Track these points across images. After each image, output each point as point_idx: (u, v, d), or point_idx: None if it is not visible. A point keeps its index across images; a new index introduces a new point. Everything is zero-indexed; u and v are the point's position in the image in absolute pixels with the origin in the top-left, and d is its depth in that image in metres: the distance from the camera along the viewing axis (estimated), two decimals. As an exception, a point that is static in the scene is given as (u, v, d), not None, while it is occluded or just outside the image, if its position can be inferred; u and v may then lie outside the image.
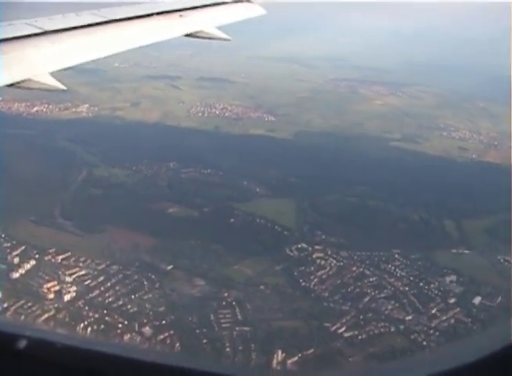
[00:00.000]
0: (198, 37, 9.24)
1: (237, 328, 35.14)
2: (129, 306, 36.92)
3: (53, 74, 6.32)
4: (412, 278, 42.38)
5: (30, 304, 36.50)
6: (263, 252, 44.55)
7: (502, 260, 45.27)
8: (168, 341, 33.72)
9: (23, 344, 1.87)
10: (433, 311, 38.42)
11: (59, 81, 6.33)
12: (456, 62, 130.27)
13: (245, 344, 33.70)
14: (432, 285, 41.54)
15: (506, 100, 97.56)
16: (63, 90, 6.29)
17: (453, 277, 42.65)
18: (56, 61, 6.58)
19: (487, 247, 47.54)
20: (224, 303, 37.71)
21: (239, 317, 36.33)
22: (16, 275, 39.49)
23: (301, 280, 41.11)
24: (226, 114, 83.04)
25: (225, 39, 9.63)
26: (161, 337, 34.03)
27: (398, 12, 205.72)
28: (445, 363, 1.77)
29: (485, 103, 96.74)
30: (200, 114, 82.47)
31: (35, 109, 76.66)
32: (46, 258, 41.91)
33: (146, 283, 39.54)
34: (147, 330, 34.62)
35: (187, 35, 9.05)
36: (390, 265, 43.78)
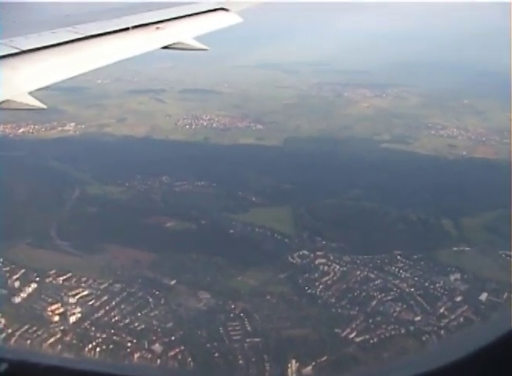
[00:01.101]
0: (175, 48, 9.15)
1: (248, 340, 34.77)
2: (136, 324, 36.39)
3: (34, 94, 6.23)
4: (416, 278, 42.30)
5: (35, 328, 35.81)
6: (265, 261, 44.23)
7: (503, 255, 45.35)
8: (180, 357, 33.28)
9: (3, 367, 1.79)
10: (441, 310, 38.32)
11: (40, 100, 6.27)
12: (437, 60, 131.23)
13: (257, 355, 33.33)
14: (437, 284, 41.49)
15: (489, 96, 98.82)
16: (43, 109, 6.24)
17: (457, 275, 42.61)
18: (34, 80, 6.46)
19: (487, 243, 47.62)
20: (232, 315, 37.34)
21: (249, 328, 35.96)
22: (18, 299, 38.81)
23: (306, 288, 40.85)
24: (214, 125, 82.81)
25: (202, 49, 9.54)
26: (172, 353, 33.58)
27: (375, 14, 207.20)
28: (448, 355, 1.72)
29: (469, 99, 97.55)
30: (187, 127, 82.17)
31: (21, 130, 75.82)
32: (47, 280, 41.28)
33: (151, 299, 39.06)
34: (157, 347, 34.12)
35: (164, 47, 8.97)
36: (393, 267, 43.70)
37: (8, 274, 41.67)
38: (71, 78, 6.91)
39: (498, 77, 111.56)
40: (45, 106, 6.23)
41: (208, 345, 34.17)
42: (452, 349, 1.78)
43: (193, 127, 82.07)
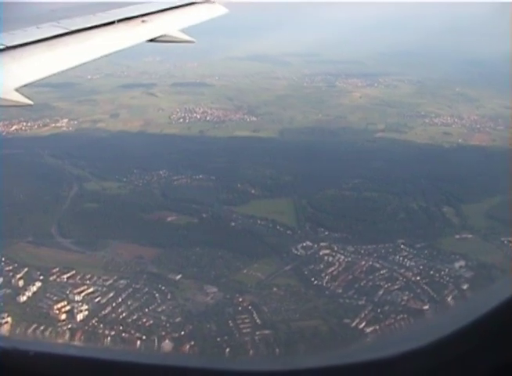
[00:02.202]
0: (162, 41, 9.11)
1: (258, 332, 34.61)
2: (144, 320, 36.12)
3: (21, 90, 6.11)
4: (421, 267, 42.29)
5: (42, 327, 35.51)
6: (270, 254, 44.12)
7: (506, 242, 45.51)
8: (191, 353, 33.05)
9: None
10: (448, 298, 38.31)
11: (27, 96, 6.15)
12: (427, 49, 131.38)
13: (269, 348, 33.11)
14: (442, 272, 41.51)
15: (480, 84, 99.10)
16: (30, 105, 6.19)
17: (462, 262, 42.62)
18: (21, 77, 6.37)
19: (489, 230, 47.73)
20: (240, 308, 37.16)
21: (258, 321, 35.78)
22: (23, 298, 38.38)
23: (312, 279, 40.72)
24: (208, 118, 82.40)
25: (189, 41, 9.46)
26: (183, 349, 33.33)
27: (363, 8, 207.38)
28: (449, 325, 1.72)
29: (462, 87, 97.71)
30: (181, 120, 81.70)
31: (14, 127, 75.03)
32: (51, 278, 40.84)
33: (157, 295, 38.77)
34: (167, 343, 33.85)
35: (151, 40, 8.90)
36: (398, 256, 43.67)
37: (11, 273, 41.24)
38: (58, 74, 6.84)
39: (487, 66, 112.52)
40: (31, 103, 6.13)
41: (218, 339, 33.98)
42: (453, 318, 1.78)
43: (187, 120, 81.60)
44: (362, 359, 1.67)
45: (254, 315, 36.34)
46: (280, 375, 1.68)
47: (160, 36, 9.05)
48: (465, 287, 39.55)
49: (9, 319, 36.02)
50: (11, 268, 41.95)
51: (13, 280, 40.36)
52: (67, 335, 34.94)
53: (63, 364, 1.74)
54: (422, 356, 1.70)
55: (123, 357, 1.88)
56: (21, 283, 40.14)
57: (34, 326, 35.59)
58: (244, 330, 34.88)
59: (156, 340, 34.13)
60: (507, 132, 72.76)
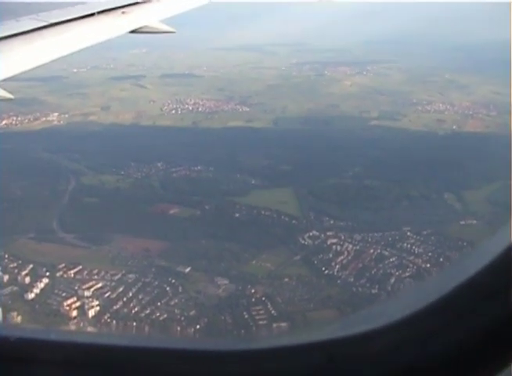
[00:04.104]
0: (143, 32, 9.05)
1: (275, 324, 34.35)
2: (158, 314, 35.74)
3: (2, 85, 5.95)
4: (430, 254, 42.32)
5: (54, 325, 34.90)
6: (277, 244, 43.86)
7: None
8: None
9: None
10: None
11: (8, 91, 5.96)
12: (414, 38, 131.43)
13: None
14: (451, 258, 41.52)
15: (468, 70, 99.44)
16: (11, 99, 6.12)
17: (469, 248, 42.69)
18: (0, 71, 6.16)
19: (492, 215, 47.63)
20: (253, 300, 36.89)
21: (273, 312, 35.56)
22: (31, 295, 37.71)
23: (323, 268, 40.56)
24: (200, 109, 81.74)
25: (169, 32, 9.37)
26: (200, 342, 32.94)
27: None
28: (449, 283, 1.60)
29: (451, 74, 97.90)
30: (173, 112, 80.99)
31: (3, 122, 73.78)
32: (58, 274, 40.22)
33: (168, 288, 38.32)
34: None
35: (132, 32, 8.77)
36: (405, 244, 43.61)
37: (16, 270, 40.53)
38: (40, 67, 6.67)
39: (474, 52, 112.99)
40: (12, 96, 6.08)
41: (235, 332, 33.69)
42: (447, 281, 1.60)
43: (179, 112, 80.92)
44: (355, 331, 1.57)
45: (269, 306, 36.08)
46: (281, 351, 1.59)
47: (141, 27, 8.94)
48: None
49: (19, 317, 35.42)
50: (15, 265, 41.21)
51: (19, 277, 39.64)
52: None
53: (47, 350, 1.66)
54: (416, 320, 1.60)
55: (111, 341, 1.78)
56: (27, 280, 39.45)
57: (44, 323, 35.01)
58: (261, 322, 34.64)
59: (172, 334, 33.75)
60: (500, 118, 72.99)
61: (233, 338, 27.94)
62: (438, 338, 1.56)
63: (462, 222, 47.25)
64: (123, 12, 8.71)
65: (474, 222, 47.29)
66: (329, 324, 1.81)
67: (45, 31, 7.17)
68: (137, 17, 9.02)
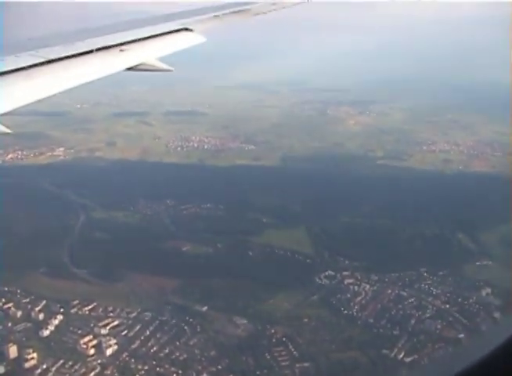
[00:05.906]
0: (140, 70, 9.03)
1: (297, 365, 33.67)
2: (178, 354, 34.91)
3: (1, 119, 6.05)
4: (448, 295, 41.88)
5: (71, 363, 34.07)
6: (293, 283, 43.24)
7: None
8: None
9: None
10: (483, 327, 37.76)
11: (6, 126, 6.07)
12: (411, 76, 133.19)
13: (312, 381, 32.24)
14: (471, 300, 41.11)
15: (470, 110, 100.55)
16: (8, 133, 6.12)
17: (488, 290, 42.30)
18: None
19: (507, 256, 47.38)
20: (274, 340, 36.15)
21: (295, 353, 34.83)
22: (46, 332, 36.91)
23: (342, 309, 39.98)
24: (205, 147, 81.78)
25: (167, 70, 9.45)
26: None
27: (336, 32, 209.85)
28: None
29: (452, 113, 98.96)
30: (179, 149, 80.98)
31: (9, 156, 73.56)
32: (72, 311, 39.49)
33: (186, 327, 37.60)
34: (206, 378, 32.71)
35: (129, 69, 8.84)
36: (422, 284, 43.24)
37: (29, 306, 39.79)
38: (40, 102, 6.71)
39: (473, 93, 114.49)
40: (10, 131, 6.05)
41: (258, 373, 32.92)
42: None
43: (185, 149, 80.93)
44: None
45: (290, 347, 35.39)
46: None
47: (138, 64, 8.93)
48: (496, 315, 39.08)
49: (35, 354, 34.52)
50: (28, 300, 40.50)
51: (33, 313, 38.91)
52: (98, 370, 33.53)
53: None
54: None
55: None
56: (41, 316, 38.69)
57: (61, 361, 34.14)
58: (283, 363, 33.89)
59: (194, 375, 32.87)
60: (505, 158, 73.44)
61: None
62: None
63: (478, 263, 46.90)
64: (121, 50, 8.77)
65: (490, 262, 46.97)
66: None
67: (43, 68, 7.24)
68: (135, 55, 9.03)
